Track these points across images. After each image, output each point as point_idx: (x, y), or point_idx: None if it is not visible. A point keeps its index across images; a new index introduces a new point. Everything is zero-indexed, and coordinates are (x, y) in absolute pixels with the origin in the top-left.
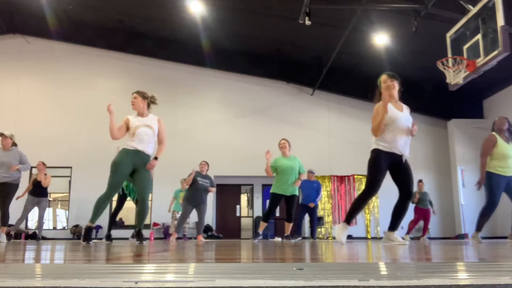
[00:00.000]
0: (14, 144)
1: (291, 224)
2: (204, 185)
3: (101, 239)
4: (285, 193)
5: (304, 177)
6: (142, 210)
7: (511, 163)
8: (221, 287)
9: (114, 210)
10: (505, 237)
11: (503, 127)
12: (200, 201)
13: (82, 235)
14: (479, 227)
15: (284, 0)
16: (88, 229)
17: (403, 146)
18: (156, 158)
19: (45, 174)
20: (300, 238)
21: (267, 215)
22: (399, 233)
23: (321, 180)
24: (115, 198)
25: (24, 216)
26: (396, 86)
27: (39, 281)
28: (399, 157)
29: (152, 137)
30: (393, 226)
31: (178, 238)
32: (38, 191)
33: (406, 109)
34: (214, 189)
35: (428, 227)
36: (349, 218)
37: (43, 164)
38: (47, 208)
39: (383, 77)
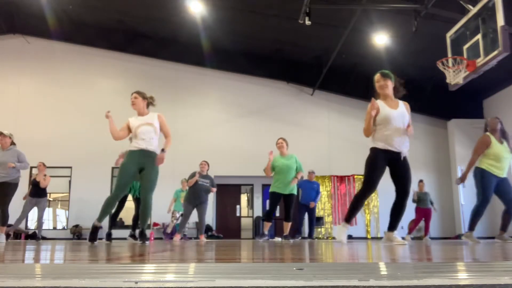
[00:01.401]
0: (13, 143)
1: (290, 224)
2: (204, 185)
3: (101, 239)
4: (283, 191)
5: (302, 175)
6: (144, 209)
7: (504, 165)
8: (221, 287)
9: (116, 210)
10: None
11: (496, 127)
12: (200, 201)
13: (89, 234)
14: (472, 226)
15: (284, 0)
16: (95, 229)
17: (399, 143)
18: (163, 150)
19: (45, 175)
20: (300, 238)
21: (269, 214)
22: (399, 233)
23: (321, 180)
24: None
25: (23, 217)
26: (389, 85)
27: (39, 281)
28: (397, 154)
29: (153, 133)
30: (392, 226)
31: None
32: (37, 192)
33: (402, 105)
34: (215, 189)
35: (429, 226)
36: (349, 218)
37: (43, 165)
38: (47, 208)
39: (376, 76)
